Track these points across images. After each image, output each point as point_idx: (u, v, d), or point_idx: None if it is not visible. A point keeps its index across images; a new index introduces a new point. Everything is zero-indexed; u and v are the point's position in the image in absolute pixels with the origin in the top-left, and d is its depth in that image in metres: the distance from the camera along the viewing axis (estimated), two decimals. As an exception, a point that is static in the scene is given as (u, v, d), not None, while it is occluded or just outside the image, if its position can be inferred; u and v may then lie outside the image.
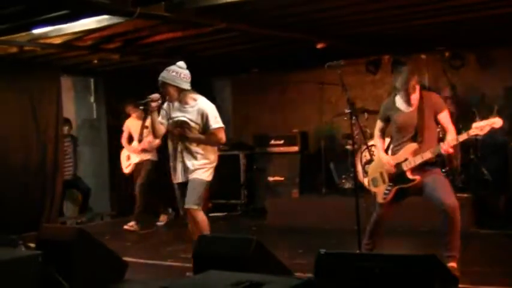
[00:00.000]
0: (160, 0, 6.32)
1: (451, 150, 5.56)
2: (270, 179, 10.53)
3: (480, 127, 5.37)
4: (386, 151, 6.07)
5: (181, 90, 6.09)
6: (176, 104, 6.17)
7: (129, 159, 9.69)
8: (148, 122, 9.35)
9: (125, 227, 9.43)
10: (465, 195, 8.26)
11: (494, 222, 8.16)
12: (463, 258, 5.70)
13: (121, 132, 10.00)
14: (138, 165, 9.55)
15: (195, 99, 6.16)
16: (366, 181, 8.82)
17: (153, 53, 9.44)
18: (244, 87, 12.35)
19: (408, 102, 5.68)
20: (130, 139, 9.79)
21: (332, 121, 10.50)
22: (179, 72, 6.14)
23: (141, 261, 7.14)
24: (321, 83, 9.85)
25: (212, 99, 12.50)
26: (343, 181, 9.89)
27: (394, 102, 5.84)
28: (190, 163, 6.13)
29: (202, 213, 6.13)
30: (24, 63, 9.21)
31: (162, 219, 9.85)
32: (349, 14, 7.46)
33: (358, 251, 6.03)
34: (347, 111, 6.67)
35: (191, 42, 8.65)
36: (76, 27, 7.08)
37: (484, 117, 8.40)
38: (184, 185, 6.19)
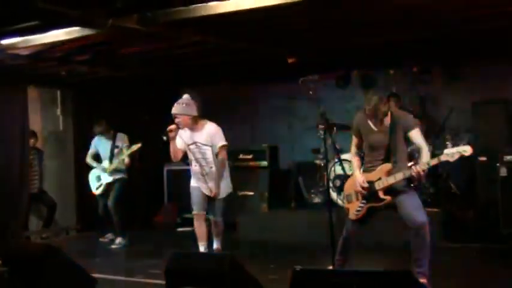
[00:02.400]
0: (132, 13, 6.24)
1: (422, 173, 5.62)
2: (239, 193, 10.45)
3: (451, 154, 5.51)
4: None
5: (193, 118, 6.96)
6: (188, 131, 7.09)
7: (100, 179, 9.53)
8: (119, 143, 9.35)
9: (113, 246, 9.30)
10: (434, 209, 8.32)
11: (463, 235, 8.23)
12: (434, 272, 5.72)
13: (87, 145, 9.88)
14: (110, 185, 9.42)
15: (203, 124, 7.10)
16: (334, 196, 8.91)
17: (123, 65, 9.37)
18: (212, 100, 12.25)
19: (379, 124, 5.72)
20: (95, 158, 9.66)
21: (301, 135, 10.51)
22: (189, 104, 6.96)
23: (110, 277, 7.02)
24: (291, 97, 9.86)
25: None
26: (312, 195, 9.88)
27: (365, 119, 5.83)
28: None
29: (223, 222, 7.43)
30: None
31: (118, 242, 9.37)
32: (320, 28, 7.49)
33: (331, 267, 6.03)
34: (321, 126, 6.68)
35: (162, 54, 8.59)
36: (45, 38, 6.96)
37: (454, 133, 8.59)
38: (206, 195, 7.28)
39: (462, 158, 5.59)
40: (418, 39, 8.10)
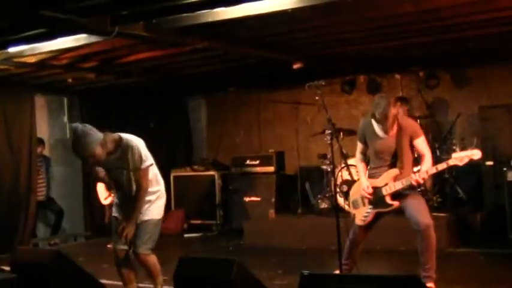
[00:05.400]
0: (139, 20, 6.26)
1: (421, 181, 5.70)
2: (246, 199, 10.48)
3: (460, 158, 5.54)
4: None
5: (103, 143, 5.30)
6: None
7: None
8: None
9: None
10: (441, 214, 8.30)
11: (470, 240, 8.22)
12: (441, 277, 5.74)
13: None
14: None
15: (117, 142, 5.42)
16: (341, 201, 8.90)
17: (130, 73, 9.39)
18: (219, 107, 12.35)
19: (386, 130, 5.73)
20: None
21: (308, 141, 10.52)
22: (85, 130, 5.30)
23: (117, 283, 6.98)
24: (297, 102, 9.88)
25: (186, 118, 12.61)
26: (319, 201, 9.88)
27: (371, 125, 5.86)
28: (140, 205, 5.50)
29: (154, 256, 5.68)
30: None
31: None
32: (326, 34, 7.51)
33: (338, 272, 6.03)
34: (327, 131, 6.68)
35: (168, 61, 8.62)
36: (52, 45, 7.00)
37: (461, 138, 8.57)
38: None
39: (469, 163, 5.60)
40: (425, 44, 8.12)
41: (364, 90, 10.26)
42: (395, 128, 5.73)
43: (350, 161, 8.55)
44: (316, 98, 6.39)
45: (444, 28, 7.27)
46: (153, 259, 5.68)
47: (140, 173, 5.42)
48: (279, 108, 11.27)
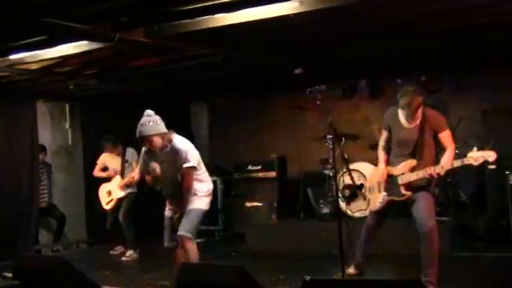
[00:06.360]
0: (139, 26, 6.28)
1: (435, 175, 5.68)
2: (248, 204, 10.46)
3: (475, 157, 5.55)
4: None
5: (163, 135, 6.14)
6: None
7: (111, 194, 9.51)
8: (129, 157, 9.38)
9: (123, 259, 9.28)
10: (444, 218, 8.28)
11: (473, 245, 8.21)
12: (443, 281, 5.73)
13: (96, 158, 9.89)
14: (120, 200, 9.42)
15: (171, 140, 6.20)
16: (343, 206, 8.90)
17: (131, 79, 9.40)
18: (221, 112, 12.36)
19: (410, 119, 5.74)
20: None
21: (309, 146, 10.51)
22: (155, 120, 6.15)
23: (119, 289, 7.04)
24: (298, 107, 9.87)
25: (188, 124, 12.59)
26: (321, 206, 9.86)
27: (396, 114, 5.91)
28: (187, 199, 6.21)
29: (192, 243, 6.15)
30: (-1, 88, 9.09)
31: (129, 255, 9.34)
32: (327, 39, 7.52)
33: (341, 276, 6.03)
34: (329, 136, 6.68)
35: (169, 67, 8.62)
36: (54, 52, 7.01)
37: (463, 142, 8.57)
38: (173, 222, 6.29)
39: (471, 167, 5.60)
40: (426, 48, 8.12)
41: (366, 94, 10.24)
42: (419, 118, 5.74)
43: (352, 166, 8.56)
44: (318, 102, 6.41)
45: (445, 32, 7.27)
46: (191, 245, 6.12)
47: (183, 171, 6.10)
48: (280, 113, 11.27)
